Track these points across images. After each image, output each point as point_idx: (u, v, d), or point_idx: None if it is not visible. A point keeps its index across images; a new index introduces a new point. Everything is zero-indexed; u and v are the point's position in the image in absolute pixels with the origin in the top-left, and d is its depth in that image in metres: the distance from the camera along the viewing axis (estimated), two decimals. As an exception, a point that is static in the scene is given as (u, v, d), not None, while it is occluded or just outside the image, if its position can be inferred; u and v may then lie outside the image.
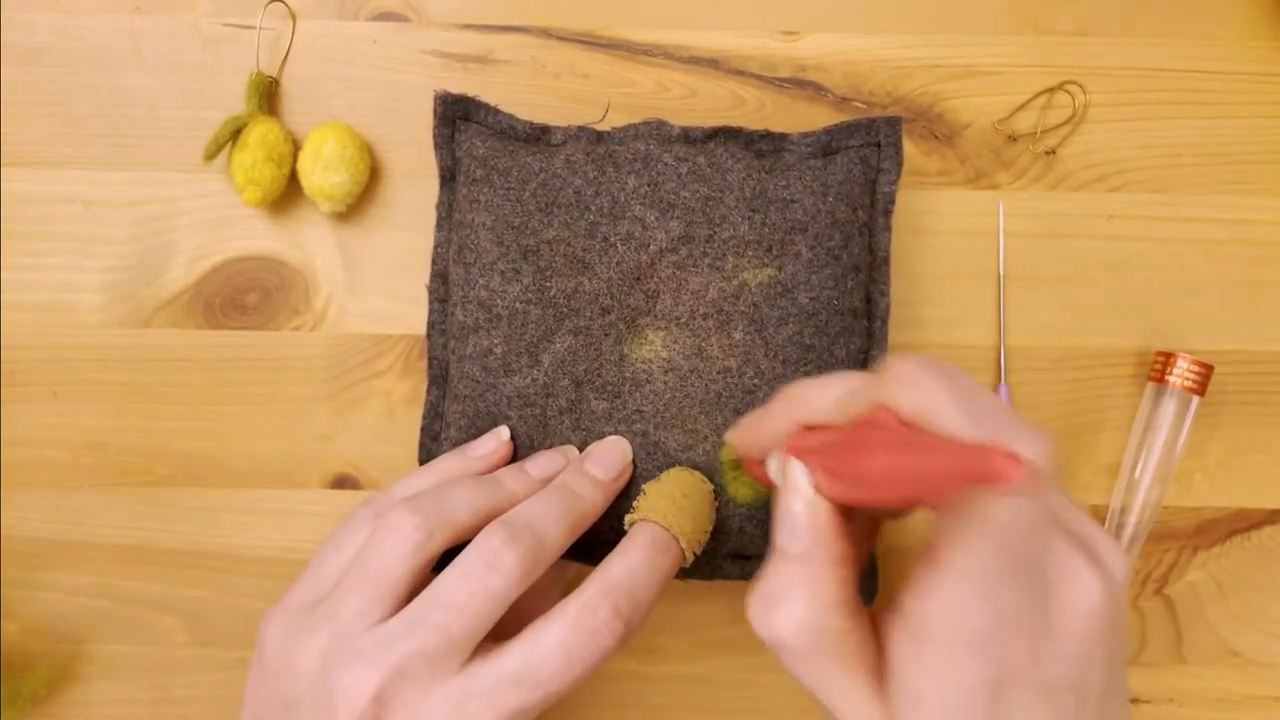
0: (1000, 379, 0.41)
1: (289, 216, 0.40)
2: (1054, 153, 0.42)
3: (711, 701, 0.40)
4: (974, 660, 0.23)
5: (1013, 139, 0.42)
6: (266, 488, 0.40)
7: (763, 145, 0.38)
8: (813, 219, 0.36)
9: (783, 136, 0.38)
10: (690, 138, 0.38)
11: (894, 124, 0.38)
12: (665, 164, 0.36)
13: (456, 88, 0.40)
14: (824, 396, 0.27)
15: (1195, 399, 0.40)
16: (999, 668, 0.23)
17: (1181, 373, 0.39)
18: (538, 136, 0.39)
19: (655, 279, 0.36)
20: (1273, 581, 0.41)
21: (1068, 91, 0.42)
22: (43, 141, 0.40)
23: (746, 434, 0.30)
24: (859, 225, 0.37)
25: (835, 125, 0.38)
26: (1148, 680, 0.41)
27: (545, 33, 0.41)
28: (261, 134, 0.38)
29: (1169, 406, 0.40)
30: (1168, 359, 0.39)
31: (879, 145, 0.38)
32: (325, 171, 0.38)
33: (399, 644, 0.28)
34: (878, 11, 0.42)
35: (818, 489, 0.26)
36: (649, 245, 0.36)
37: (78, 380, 0.40)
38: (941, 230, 0.41)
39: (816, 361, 0.36)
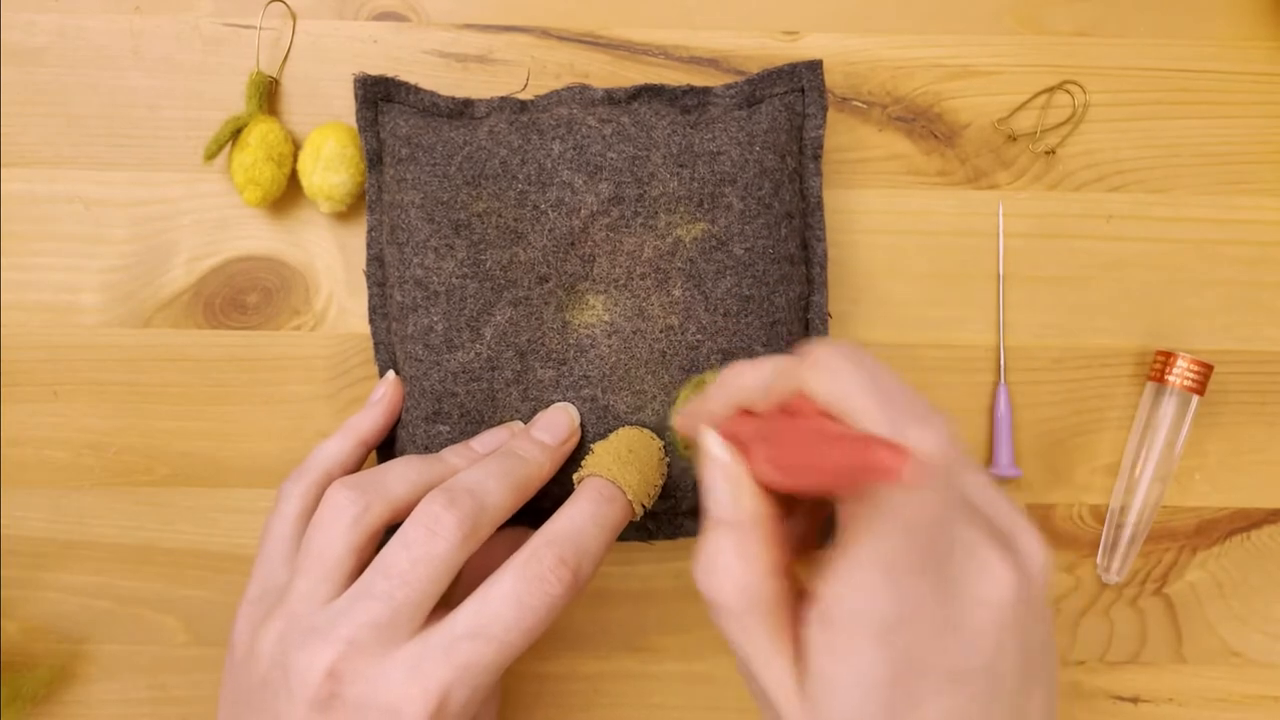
0: (1000, 379, 0.41)
1: (289, 216, 0.40)
2: (1054, 152, 0.42)
3: (711, 701, 0.40)
4: (879, 648, 0.23)
5: (1012, 139, 0.42)
6: (266, 488, 0.40)
7: (687, 100, 0.38)
8: (741, 170, 0.36)
9: (706, 90, 0.39)
10: (614, 99, 0.38)
11: (815, 68, 0.38)
12: (590, 126, 0.36)
13: (456, 88, 0.40)
14: (758, 379, 0.27)
15: (1195, 399, 0.40)
16: (904, 655, 0.23)
17: (1181, 372, 0.39)
18: (461, 111, 0.39)
19: (590, 243, 0.36)
20: (1273, 581, 0.41)
21: (1067, 91, 0.42)
22: (43, 141, 0.40)
23: (688, 417, 0.30)
24: (788, 172, 0.37)
25: (757, 74, 0.39)
26: (1148, 680, 0.41)
27: (545, 33, 0.41)
28: (261, 134, 0.38)
29: (1169, 406, 0.40)
30: (1168, 359, 0.39)
31: (803, 91, 0.38)
32: (325, 171, 0.38)
33: (347, 618, 0.29)
34: (878, 11, 0.42)
35: (757, 476, 0.26)
36: (580, 209, 0.36)
37: (78, 380, 0.40)
38: (941, 230, 0.41)
39: (757, 311, 0.36)
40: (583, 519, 0.31)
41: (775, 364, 0.27)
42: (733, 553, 0.26)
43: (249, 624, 0.31)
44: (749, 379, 0.27)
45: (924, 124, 0.42)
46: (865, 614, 0.23)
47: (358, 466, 0.36)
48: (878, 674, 0.23)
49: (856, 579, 0.23)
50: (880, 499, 0.23)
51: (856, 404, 0.23)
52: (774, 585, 0.26)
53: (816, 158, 0.39)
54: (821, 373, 0.24)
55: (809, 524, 0.30)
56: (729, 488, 0.26)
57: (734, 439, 0.27)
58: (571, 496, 0.32)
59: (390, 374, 0.38)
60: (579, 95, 0.38)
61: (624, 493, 0.32)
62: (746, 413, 0.27)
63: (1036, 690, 0.26)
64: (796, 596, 0.26)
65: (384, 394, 0.37)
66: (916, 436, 0.22)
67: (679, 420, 0.32)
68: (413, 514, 0.30)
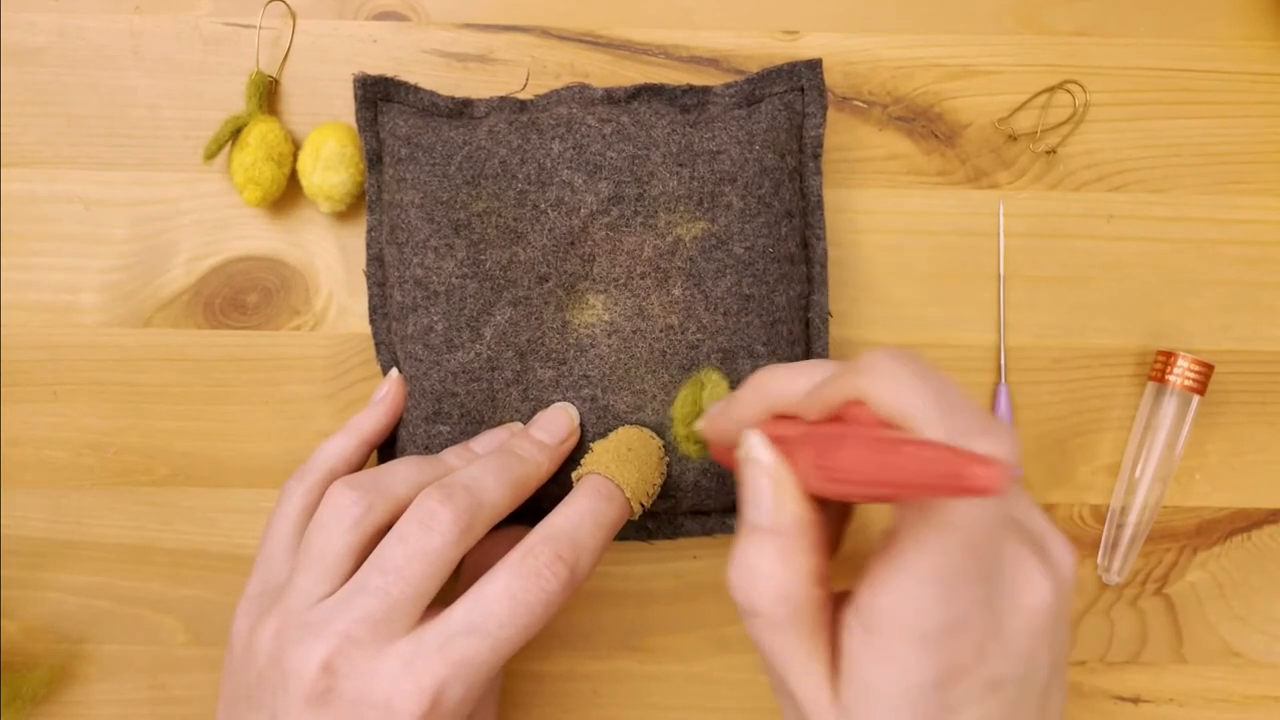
0: (1000, 379, 0.41)
1: (289, 216, 0.40)
2: (1054, 152, 0.42)
3: (711, 701, 0.40)
4: (924, 656, 0.23)
5: (1013, 139, 0.42)
6: (266, 488, 0.40)
7: (687, 100, 0.38)
8: (740, 169, 0.36)
9: (706, 89, 0.39)
10: (614, 98, 0.38)
11: (815, 66, 0.38)
12: (589, 126, 0.36)
13: (456, 87, 0.40)
14: (795, 384, 0.26)
15: (1195, 398, 0.40)
16: (948, 663, 0.23)
17: (1182, 372, 0.39)
18: (460, 110, 0.39)
19: (589, 242, 0.36)
20: (1273, 581, 0.41)
21: (1068, 91, 0.42)
22: (43, 141, 0.40)
23: (716, 421, 0.30)
24: (788, 171, 0.37)
25: (757, 73, 0.39)
26: (1148, 680, 0.41)
27: (545, 33, 0.41)
28: (261, 134, 0.38)
29: (1169, 406, 0.40)
30: (1168, 359, 0.39)
31: (803, 90, 0.38)
32: (325, 171, 0.38)
33: (343, 613, 0.29)
34: (878, 11, 0.42)
35: (803, 483, 0.25)
36: (580, 209, 0.35)
37: (78, 380, 0.40)
38: (941, 230, 0.41)
39: (758, 310, 0.36)
40: (580, 516, 0.31)
41: (819, 369, 0.26)
42: (775, 560, 0.25)
43: (247, 620, 0.32)
44: (786, 384, 0.27)
45: (924, 124, 0.42)
46: (914, 622, 0.23)
47: (361, 465, 0.36)
48: (921, 681, 0.23)
49: (908, 588, 0.23)
50: (935, 508, 0.22)
51: (920, 414, 0.22)
52: (816, 594, 0.25)
53: (816, 156, 0.39)
54: (882, 380, 0.23)
55: (833, 529, 0.30)
56: (773, 492, 0.26)
57: (777, 443, 0.26)
58: (569, 494, 0.32)
59: (393, 372, 0.38)
60: (578, 95, 0.38)
61: (622, 491, 0.32)
62: (781, 418, 0.27)
63: (1056, 689, 0.26)
64: (831, 605, 0.26)
65: (387, 392, 0.37)
66: (983, 449, 0.21)
67: (705, 424, 0.31)
68: (409, 510, 0.30)
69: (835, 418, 0.25)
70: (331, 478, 0.34)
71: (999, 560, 0.24)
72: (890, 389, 0.23)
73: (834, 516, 0.30)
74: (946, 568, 0.23)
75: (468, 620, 0.29)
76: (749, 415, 0.28)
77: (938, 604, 0.23)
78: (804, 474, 0.25)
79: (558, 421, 0.35)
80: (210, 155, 0.38)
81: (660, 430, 0.36)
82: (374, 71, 0.38)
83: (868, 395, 0.23)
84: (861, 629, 0.24)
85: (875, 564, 0.24)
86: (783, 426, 0.26)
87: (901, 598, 0.23)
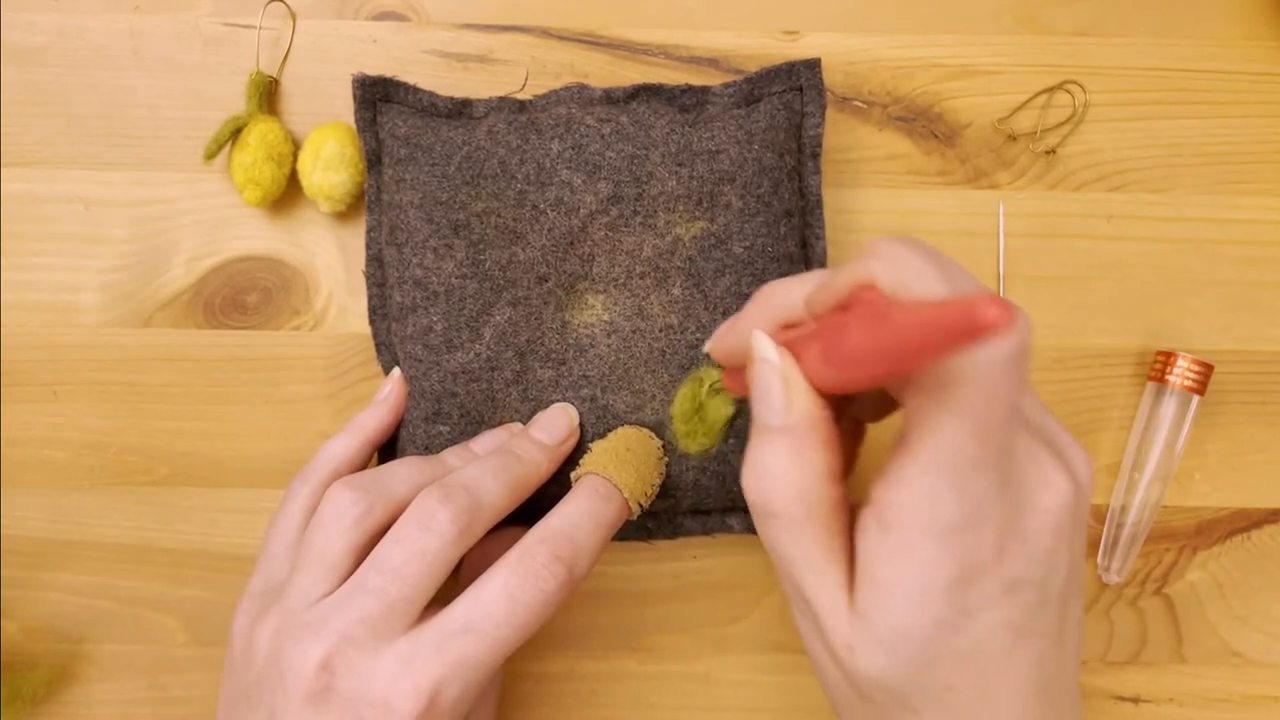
0: (1000, 379, 0.41)
1: (289, 216, 0.40)
2: (1054, 152, 0.42)
3: (711, 701, 0.40)
4: (940, 550, 0.23)
5: (1013, 139, 0.42)
6: (266, 488, 0.40)
7: (685, 99, 0.38)
8: (740, 168, 0.36)
9: (705, 89, 0.39)
10: (612, 98, 0.38)
11: (814, 66, 0.38)
12: (588, 126, 0.36)
13: (456, 88, 0.40)
14: (799, 291, 0.26)
15: (1195, 398, 0.40)
16: (966, 560, 0.23)
17: (1181, 372, 0.39)
18: (459, 110, 0.39)
19: (589, 242, 0.36)
20: (1273, 581, 0.41)
21: (1068, 91, 0.42)
22: (43, 141, 0.40)
23: (722, 341, 0.30)
24: (787, 171, 0.37)
25: (756, 73, 0.39)
26: (1148, 680, 0.41)
27: (545, 33, 0.41)
28: (261, 134, 0.38)
29: (1169, 406, 0.40)
30: (1168, 359, 0.39)
31: (801, 89, 0.38)
32: (325, 171, 0.38)
33: (342, 612, 0.29)
34: (878, 11, 0.42)
35: (812, 379, 0.25)
36: (579, 209, 0.35)
37: (78, 380, 0.40)
38: (941, 230, 0.41)
39: None
40: (578, 516, 0.31)
41: (820, 273, 0.26)
42: (788, 457, 0.25)
43: (247, 619, 0.32)
44: (791, 292, 0.27)
45: (924, 124, 0.42)
46: (930, 515, 0.23)
47: (364, 465, 0.36)
48: (937, 579, 0.23)
49: (920, 480, 0.23)
50: (948, 394, 0.22)
51: (926, 285, 0.22)
52: (831, 491, 0.25)
53: (815, 156, 0.39)
54: (888, 259, 0.23)
55: (848, 445, 0.30)
56: (783, 390, 0.25)
57: (784, 345, 0.26)
58: (568, 495, 0.32)
59: (396, 371, 0.38)
60: (577, 95, 0.38)
61: (620, 491, 0.33)
62: (787, 326, 0.26)
63: (1074, 602, 0.26)
64: (847, 508, 0.26)
65: (390, 392, 0.37)
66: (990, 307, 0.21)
67: (712, 345, 0.31)
68: (408, 510, 0.30)
69: (842, 308, 0.25)
70: (335, 478, 0.34)
71: (1014, 455, 0.24)
72: (896, 265, 0.23)
73: (846, 436, 0.29)
74: (959, 456, 0.22)
75: (465, 620, 0.29)
76: (755, 328, 0.27)
77: (952, 494, 0.22)
78: (813, 370, 0.25)
79: (557, 422, 0.35)
80: (210, 155, 0.38)
81: (660, 430, 0.36)
82: (374, 71, 0.38)
83: (875, 274, 0.23)
84: (877, 526, 0.24)
85: (889, 460, 0.24)
86: (789, 332, 0.26)
87: (915, 489, 0.23)
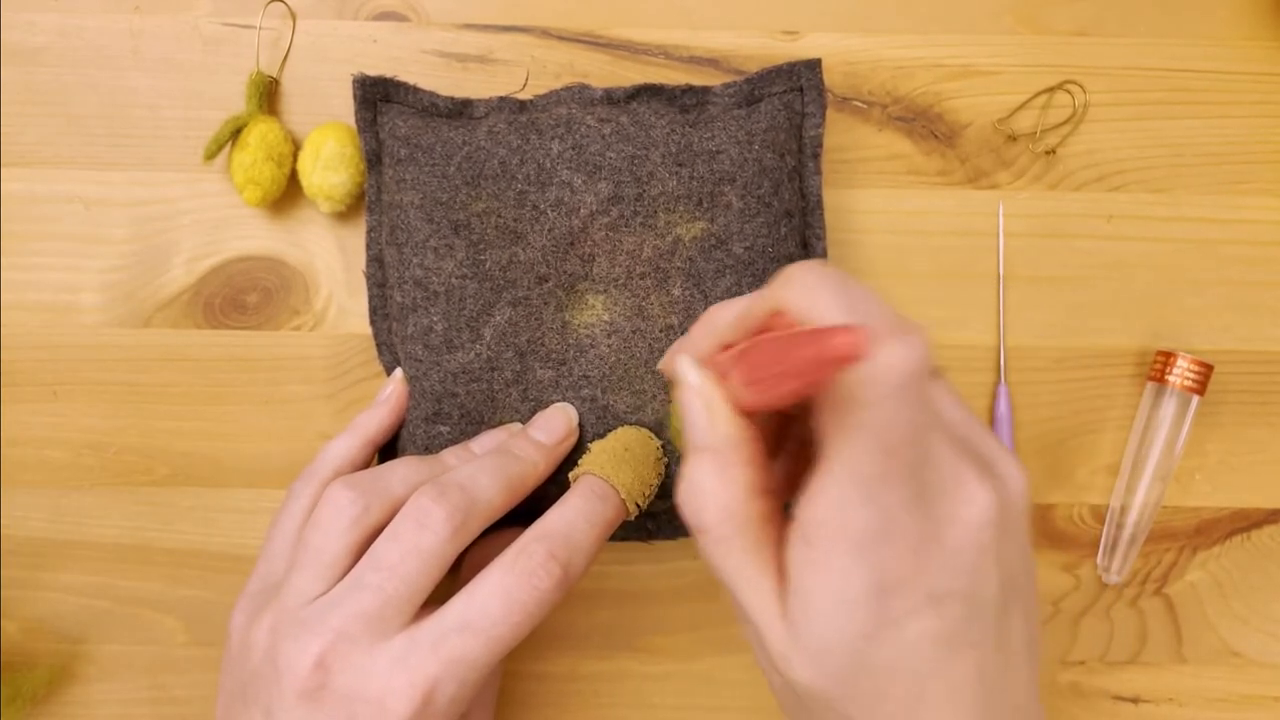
0: (1000, 379, 0.41)
1: (289, 216, 0.40)
2: (1054, 152, 0.42)
3: (711, 701, 0.40)
4: (857, 563, 0.23)
5: (1013, 139, 0.42)
6: (266, 488, 0.40)
7: (686, 100, 0.38)
8: (740, 168, 0.36)
9: (705, 89, 0.39)
10: (613, 98, 0.38)
11: (814, 66, 0.38)
12: (589, 126, 0.36)
13: (456, 88, 0.40)
14: (730, 315, 0.27)
15: (1195, 399, 0.40)
16: (883, 571, 0.23)
17: (1181, 372, 0.39)
18: (460, 111, 0.39)
19: (589, 242, 0.36)
20: (1273, 581, 0.41)
21: (1068, 91, 0.42)
22: (43, 141, 0.40)
23: (669, 362, 0.30)
24: (788, 171, 0.37)
25: (756, 73, 0.39)
26: (1148, 680, 0.41)
27: (545, 33, 0.41)
28: (261, 134, 0.38)
29: (1169, 406, 0.40)
30: (1168, 359, 0.39)
31: (802, 90, 0.38)
32: (325, 171, 0.38)
33: (337, 610, 0.29)
34: (878, 11, 0.42)
35: (733, 399, 0.26)
36: (579, 209, 0.36)
37: (78, 380, 0.40)
38: (941, 230, 0.41)
39: None
40: (574, 516, 0.31)
41: (749, 296, 0.27)
42: (714, 476, 0.26)
43: (245, 617, 0.32)
44: (727, 313, 0.27)
45: (924, 124, 0.42)
46: (842, 528, 0.23)
47: (366, 465, 0.36)
48: (856, 589, 0.23)
49: (833, 494, 0.23)
50: (850, 413, 0.23)
51: (828, 313, 0.23)
52: (756, 506, 0.26)
53: (816, 156, 0.39)
54: (794, 287, 0.24)
55: (796, 466, 0.30)
56: (705, 412, 0.26)
57: (713, 368, 0.27)
58: (565, 494, 0.32)
59: (398, 371, 0.38)
60: (578, 95, 0.38)
61: (617, 491, 0.33)
62: (727, 347, 0.27)
63: (1016, 612, 0.26)
64: (782, 523, 0.26)
65: (391, 392, 0.37)
66: (889, 347, 0.22)
67: (663, 364, 0.32)
68: (403, 508, 0.30)
69: (761, 331, 0.26)
70: (337, 478, 0.34)
71: (932, 468, 0.24)
72: (802, 292, 0.24)
73: (792, 456, 0.30)
74: (866, 470, 0.23)
75: (461, 618, 0.29)
76: (699, 350, 0.28)
77: (863, 506, 0.23)
78: (735, 392, 0.26)
79: (556, 422, 0.35)
80: (210, 155, 0.38)
81: (660, 430, 0.36)
82: (374, 72, 0.38)
83: (784, 302, 0.24)
84: (801, 541, 0.24)
85: (809, 477, 0.25)
86: (721, 354, 0.27)
87: (827, 503, 0.24)
